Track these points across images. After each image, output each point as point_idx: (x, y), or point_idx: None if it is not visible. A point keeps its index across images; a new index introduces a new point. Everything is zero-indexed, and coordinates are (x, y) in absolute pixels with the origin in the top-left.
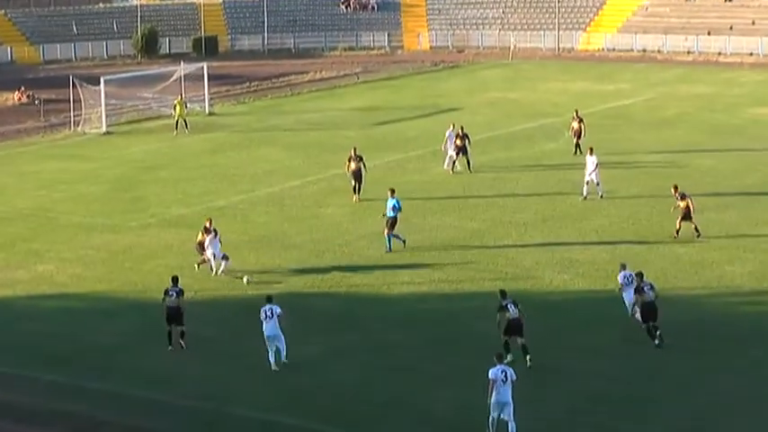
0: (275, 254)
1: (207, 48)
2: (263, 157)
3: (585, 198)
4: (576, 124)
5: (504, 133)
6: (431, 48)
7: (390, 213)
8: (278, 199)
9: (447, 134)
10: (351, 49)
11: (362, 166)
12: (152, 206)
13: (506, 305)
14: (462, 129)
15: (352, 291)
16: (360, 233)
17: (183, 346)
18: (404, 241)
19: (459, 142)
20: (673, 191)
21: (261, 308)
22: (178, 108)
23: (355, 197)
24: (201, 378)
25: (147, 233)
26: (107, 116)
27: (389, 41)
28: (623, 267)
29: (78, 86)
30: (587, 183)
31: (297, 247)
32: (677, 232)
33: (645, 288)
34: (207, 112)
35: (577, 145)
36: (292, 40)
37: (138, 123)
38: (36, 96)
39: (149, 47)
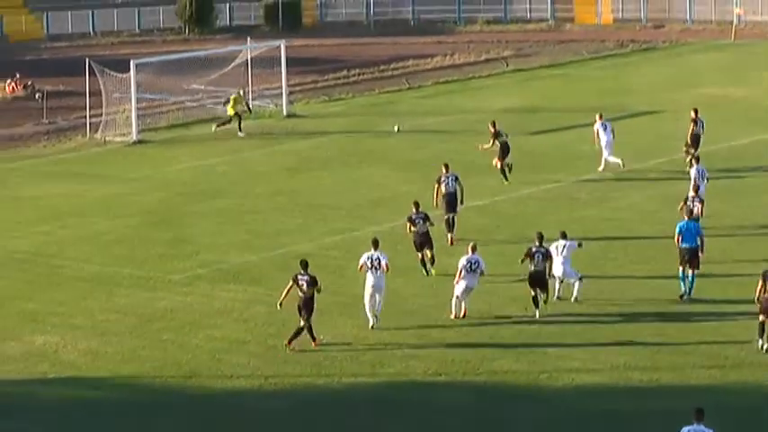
0: (383, 323)
1: (285, 19)
2: (367, 179)
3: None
4: (693, 126)
5: (724, 149)
6: (614, 21)
7: (687, 242)
8: (387, 242)
9: (596, 127)
10: (497, 21)
11: (459, 189)
12: (203, 250)
13: (534, 253)
14: (495, 124)
15: (494, 380)
16: (506, 293)
17: (315, 341)
18: (686, 291)
19: (495, 143)
20: None
21: (364, 255)
22: (231, 103)
23: (450, 235)
24: None
25: (194, 290)
26: (139, 117)
27: (554, 11)
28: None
29: (98, 74)
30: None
31: (414, 313)
32: None
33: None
34: (285, 112)
35: (695, 156)
36: (410, 9)
37: (185, 128)
38: (37, 87)
39: (201, 17)
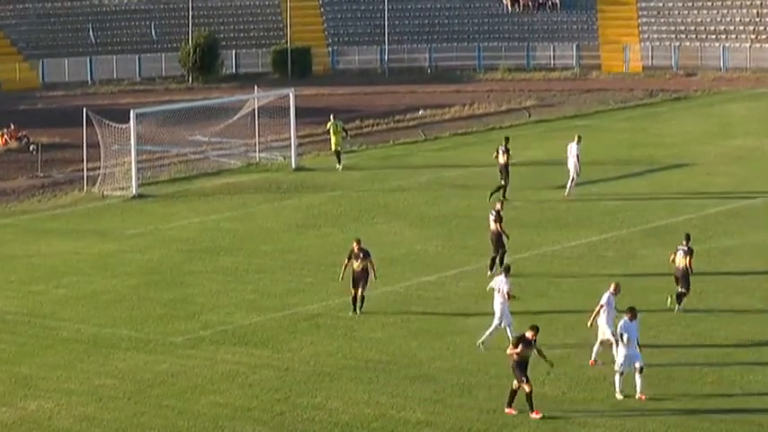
0: (397, 389)
1: (294, 66)
2: (381, 236)
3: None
4: None
5: (759, 204)
6: (644, 69)
7: None
8: (402, 303)
9: (569, 148)
10: (519, 69)
11: (502, 230)
12: (206, 311)
13: (677, 250)
14: (507, 141)
15: None
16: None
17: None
18: None
19: (501, 159)
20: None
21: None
22: (333, 138)
23: (490, 273)
24: None
25: (197, 353)
26: (139, 171)
27: (579, 59)
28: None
29: (96, 124)
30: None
31: (431, 378)
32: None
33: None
34: (293, 165)
35: None
36: (427, 56)
37: (188, 182)
38: (31, 139)
39: (206, 64)
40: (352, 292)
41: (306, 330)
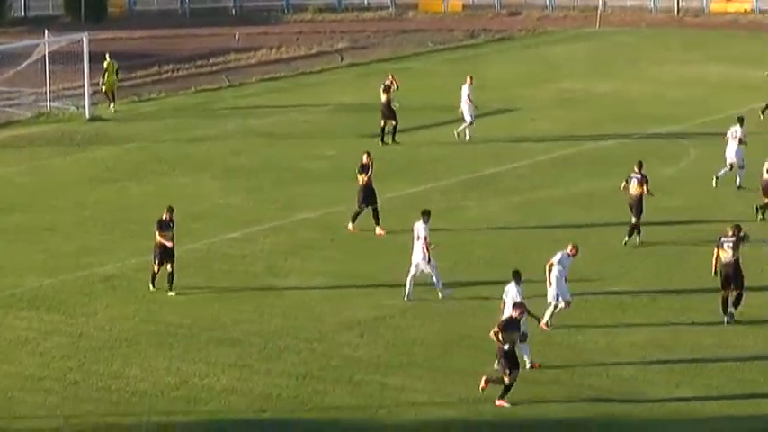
0: (200, 354)
1: (88, 9)
2: (182, 190)
3: None
4: None
5: (589, 150)
6: (464, 8)
7: None
8: (205, 261)
9: (462, 90)
10: (329, 9)
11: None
12: None
13: (631, 178)
14: (392, 76)
15: (326, 417)
16: (343, 320)
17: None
18: None
19: (383, 98)
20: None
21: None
22: (108, 78)
23: (378, 229)
24: None
25: None
26: None
27: None
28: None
29: None
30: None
31: (237, 342)
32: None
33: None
34: (87, 115)
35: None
36: None
37: None
38: None
39: None
40: (156, 268)
41: (101, 293)
